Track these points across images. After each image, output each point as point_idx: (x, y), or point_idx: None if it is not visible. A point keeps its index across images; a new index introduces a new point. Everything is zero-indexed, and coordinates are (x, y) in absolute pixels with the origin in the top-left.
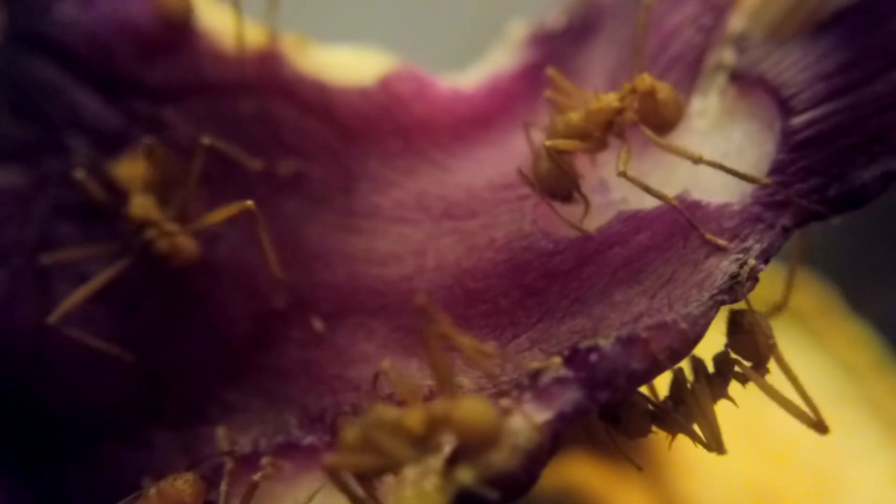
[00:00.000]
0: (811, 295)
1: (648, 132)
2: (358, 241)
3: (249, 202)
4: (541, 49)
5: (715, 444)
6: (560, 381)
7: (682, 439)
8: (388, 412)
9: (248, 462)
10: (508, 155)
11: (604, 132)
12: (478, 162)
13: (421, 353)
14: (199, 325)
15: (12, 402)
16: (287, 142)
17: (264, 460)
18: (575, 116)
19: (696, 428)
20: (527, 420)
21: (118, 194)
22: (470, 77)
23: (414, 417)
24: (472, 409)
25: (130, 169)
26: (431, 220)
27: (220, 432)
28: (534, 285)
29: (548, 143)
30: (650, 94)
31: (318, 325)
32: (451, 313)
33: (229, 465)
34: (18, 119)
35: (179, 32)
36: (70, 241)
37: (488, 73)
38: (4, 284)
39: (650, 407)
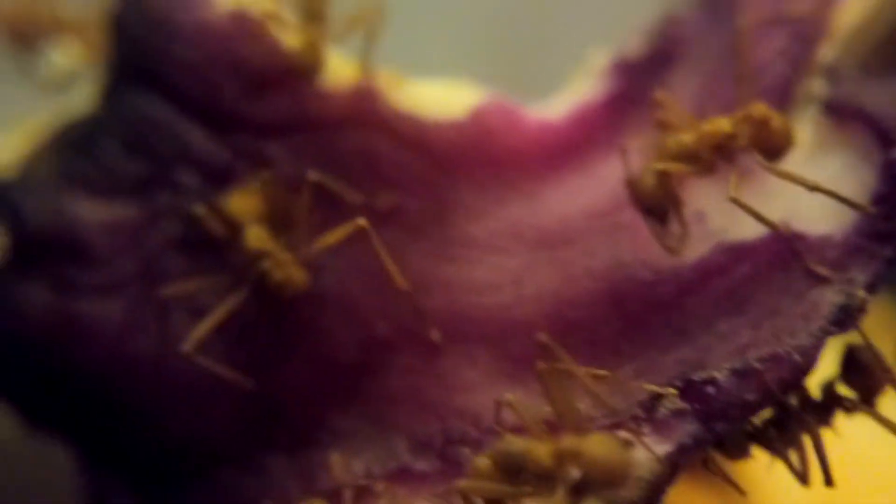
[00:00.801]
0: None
1: (761, 159)
2: (455, 269)
3: (362, 220)
4: (623, 78)
5: (824, 474)
6: (678, 414)
7: (761, 465)
8: (517, 443)
9: (363, 487)
10: (597, 184)
11: (714, 156)
12: (568, 191)
13: (526, 381)
14: (307, 352)
15: (136, 425)
16: (383, 174)
17: (380, 486)
18: (687, 138)
19: (793, 455)
20: (649, 453)
21: (231, 226)
22: (555, 106)
23: (542, 450)
24: (601, 444)
25: (243, 202)
26: (527, 249)
27: (335, 458)
28: (635, 315)
29: (659, 165)
30: (764, 121)
31: (435, 335)
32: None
33: (349, 493)
34: (131, 155)
35: (296, 78)
36: (181, 271)
37: (573, 102)
38: (123, 314)
39: (752, 430)
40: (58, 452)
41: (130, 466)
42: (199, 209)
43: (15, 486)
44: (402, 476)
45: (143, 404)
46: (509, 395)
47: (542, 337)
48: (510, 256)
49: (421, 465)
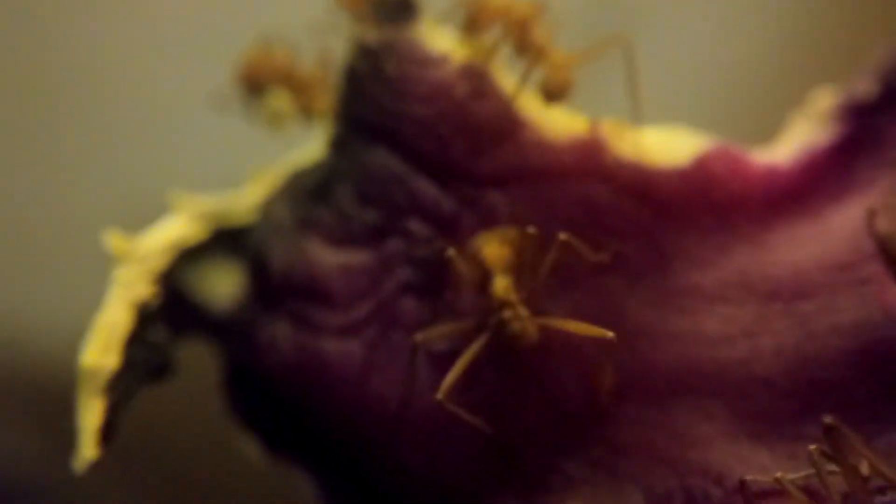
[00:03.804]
0: None
1: None
2: (681, 320)
3: (610, 334)
4: (853, 120)
5: None
6: None
7: None
8: None
9: None
10: (831, 233)
11: None
12: (799, 240)
13: (769, 441)
14: (535, 397)
15: (374, 459)
16: (604, 223)
17: None
18: None
19: None
20: None
21: (479, 273)
22: (780, 151)
23: None
24: None
25: (495, 250)
26: (758, 300)
27: None
28: None
29: None
30: None
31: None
32: (797, 402)
33: None
34: (364, 204)
35: (521, 129)
36: (412, 316)
37: (800, 146)
38: (362, 355)
39: None
40: (299, 479)
41: (368, 498)
42: (451, 252)
43: None
44: None
45: (381, 440)
46: (779, 474)
47: (829, 419)
48: (741, 307)
49: None
